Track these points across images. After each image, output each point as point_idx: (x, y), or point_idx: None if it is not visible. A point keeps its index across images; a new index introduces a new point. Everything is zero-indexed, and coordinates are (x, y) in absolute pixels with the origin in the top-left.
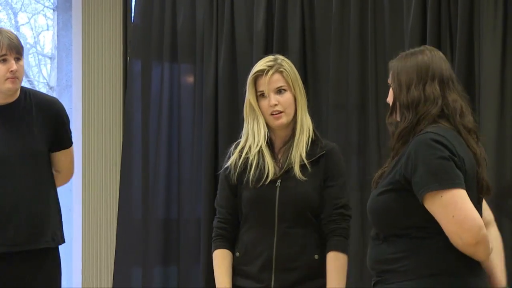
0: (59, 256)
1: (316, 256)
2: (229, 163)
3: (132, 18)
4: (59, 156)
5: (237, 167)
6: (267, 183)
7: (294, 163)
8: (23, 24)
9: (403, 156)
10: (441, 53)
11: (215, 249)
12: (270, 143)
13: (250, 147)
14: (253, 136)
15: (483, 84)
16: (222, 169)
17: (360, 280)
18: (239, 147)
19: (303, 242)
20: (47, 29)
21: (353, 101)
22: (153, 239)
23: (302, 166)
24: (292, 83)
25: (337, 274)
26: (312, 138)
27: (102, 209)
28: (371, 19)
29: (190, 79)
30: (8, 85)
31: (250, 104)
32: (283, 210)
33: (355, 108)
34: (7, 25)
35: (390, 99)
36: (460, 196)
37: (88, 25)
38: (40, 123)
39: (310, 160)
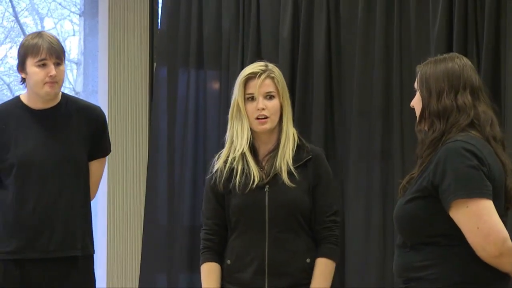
0: (92, 266)
1: (308, 260)
2: (213, 172)
3: (159, 25)
4: (93, 165)
5: (222, 175)
6: (254, 187)
7: (281, 170)
8: (49, 30)
9: (431, 163)
10: (469, 62)
11: (202, 263)
12: (253, 151)
13: (234, 151)
14: (236, 139)
15: (509, 90)
16: (206, 180)
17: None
18: (224, 154)
19: (294, 247)
20: (73, 35)
21: (378, 107)
22: (178, 246)
23: (289, 173)
24: (281, 91)
25: (323, 280)
26: (297, 144)
27: (127, 215)
28: (397, 25)
29: (216, 86)
30: (47, 89)
31: (238, 105)
32: (274, 215)
33: (379, 114)
34: (33, 30)
35: (416, 105)
36: (486, 207)
37: (114, 31)
38: (79, 129)
39: (297, 166)
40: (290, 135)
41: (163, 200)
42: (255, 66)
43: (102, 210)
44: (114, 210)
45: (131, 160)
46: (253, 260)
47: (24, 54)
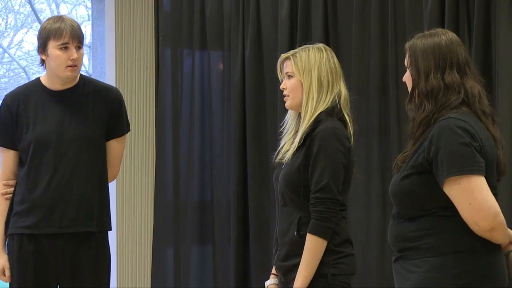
0: (107, 242)
1: (295, 233)
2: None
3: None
4: (111, 144)
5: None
6: (278, 162)
7: (290, 148)
8: (65, 15)
9: (425, 140)
10: (455, 36)
11: None
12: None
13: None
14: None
15: (500, 67)
16: None
17: (381, 257)
18: None
19: (289, 220)
20: (88, 20)
21: (375, 85)
22: (188, 220)
23: (294, 152)
24: (301, 71)
25: (303, 255)
26: (311, 123)
27: (135, 193)
28: (391, 4)
29: (219, 66)
30: (68, 73)
31: None
32: (277, 190)
33: (376, 92)
34: (48, 16)
35: (407, 81)
36: (477, 184)
37: (121, 15)
38: (95, 110)
39: (298, 145)
40: (307, 114)
41: (171, 177)
42: None
43: (111, 188)
44: (123, 188)
45: (139, 139)
46: (274, 230)
47: (47, 37)
